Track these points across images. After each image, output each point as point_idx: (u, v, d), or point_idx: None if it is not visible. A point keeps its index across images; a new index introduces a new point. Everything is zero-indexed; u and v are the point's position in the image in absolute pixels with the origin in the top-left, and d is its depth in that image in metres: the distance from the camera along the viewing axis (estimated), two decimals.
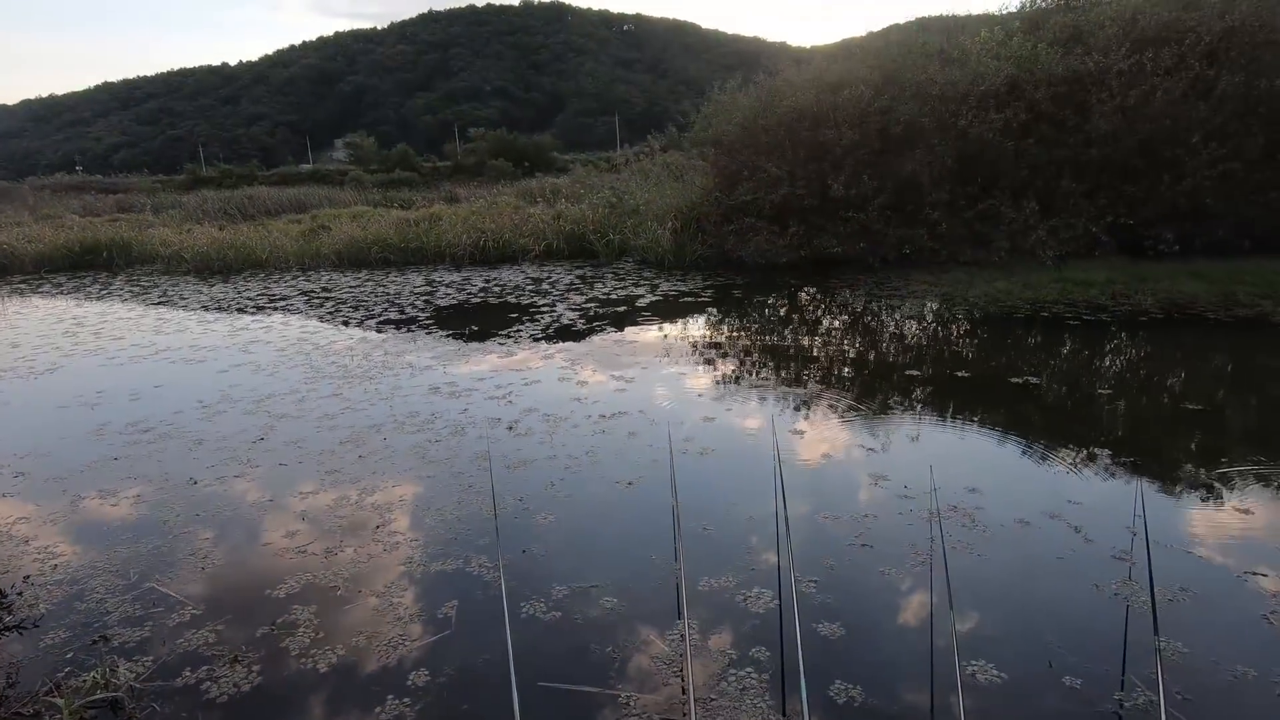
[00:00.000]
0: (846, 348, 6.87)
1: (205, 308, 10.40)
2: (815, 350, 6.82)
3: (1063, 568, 3.06)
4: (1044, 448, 4.45)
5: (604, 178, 20.56)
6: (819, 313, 8.52)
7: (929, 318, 7.82)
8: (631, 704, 2.38)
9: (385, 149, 50.54)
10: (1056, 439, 4.56)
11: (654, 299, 9.38)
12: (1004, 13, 14.75)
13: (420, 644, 2.75)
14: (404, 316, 9.01)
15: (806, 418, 4.99)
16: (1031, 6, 13.84)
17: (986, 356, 6.43)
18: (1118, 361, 6.24)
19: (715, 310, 8.78)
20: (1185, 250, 9.34)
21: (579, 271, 11.92)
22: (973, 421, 4.91)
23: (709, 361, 6.50)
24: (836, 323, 7.94)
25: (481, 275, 12.05)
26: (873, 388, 5.69)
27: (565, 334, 7.70)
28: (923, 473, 3.92)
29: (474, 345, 7.42)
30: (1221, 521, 3.43)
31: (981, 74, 11.12)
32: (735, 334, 7.64)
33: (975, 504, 3.60)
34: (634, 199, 14.81)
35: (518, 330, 7.91)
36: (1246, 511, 3.50)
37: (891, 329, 7.50)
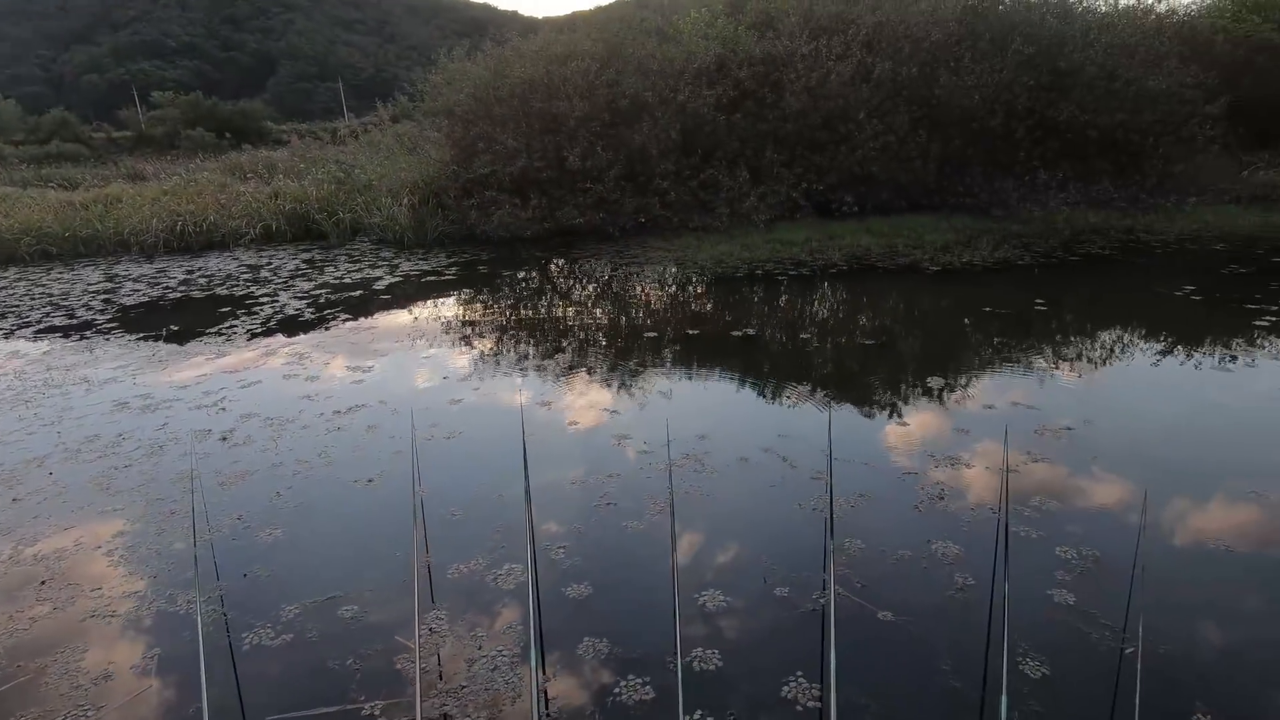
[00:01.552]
0: (592, 316, 7.10)
1: None
2: (562, 321, 6.95)
3: (774, 494, 3.51)
4: (761, 391, 5.04)
5: (329, 150, 18.74)
6: (565, 283, 8.68)
7: (665, 282, 8.37)
8: (376, 714, 2.25)
9: (34, 114, 40.67)
10: (771, 381, 5.18)
11: (394, 280, 8.82)
12: None
13: (107, 711, 2.32)
14: (75, 321, 7.41)
15: (555, 388, 5.08)
16: None
17: (714, 314, 7.07)
18: (816, 309, 7.25)
19: (461, 288, 8.51)
20: (862, 211, 11.10)
21: (306, 255, 10.78)
22: (703, 375, 5.38)
23: (456, 342, 6.30)
24: (581, 292, 8.16)
25: (182, 265, 10.33)
26: (616, 352, 5.96)
27: (291, 326, 6.93)
28: (660, 427, 4.20)
29: (174, 348, 6.36)
30: (890, 434, 4.18)
31: (694, 52, 12.02)
32: (483, 311, 7.50)
33: (705, 449, 3.96)
34: (365, 173, 13.71)
35: (231, 327, 6.94)
36: (906, 424, 4.30)
37: (631, 295, 7.90)
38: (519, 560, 3.03)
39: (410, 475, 3.56)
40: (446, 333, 6.57)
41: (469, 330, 6.68)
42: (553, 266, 9.57)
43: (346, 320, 7.10)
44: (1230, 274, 7.80)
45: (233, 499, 3.63)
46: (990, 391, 4.80)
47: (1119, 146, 11.40)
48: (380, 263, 9.91)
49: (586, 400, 4.84)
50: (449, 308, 7.62)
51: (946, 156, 11.33)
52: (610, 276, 8.65)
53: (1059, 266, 8.27)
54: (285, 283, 8.84)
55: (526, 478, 2.90)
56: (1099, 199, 11.20)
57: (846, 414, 4.54)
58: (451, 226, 11.31)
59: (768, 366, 5.61)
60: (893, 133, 10.95)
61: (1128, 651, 2.39)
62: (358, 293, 8.24)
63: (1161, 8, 14.80)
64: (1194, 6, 15.31)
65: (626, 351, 5.95)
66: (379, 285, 8.58)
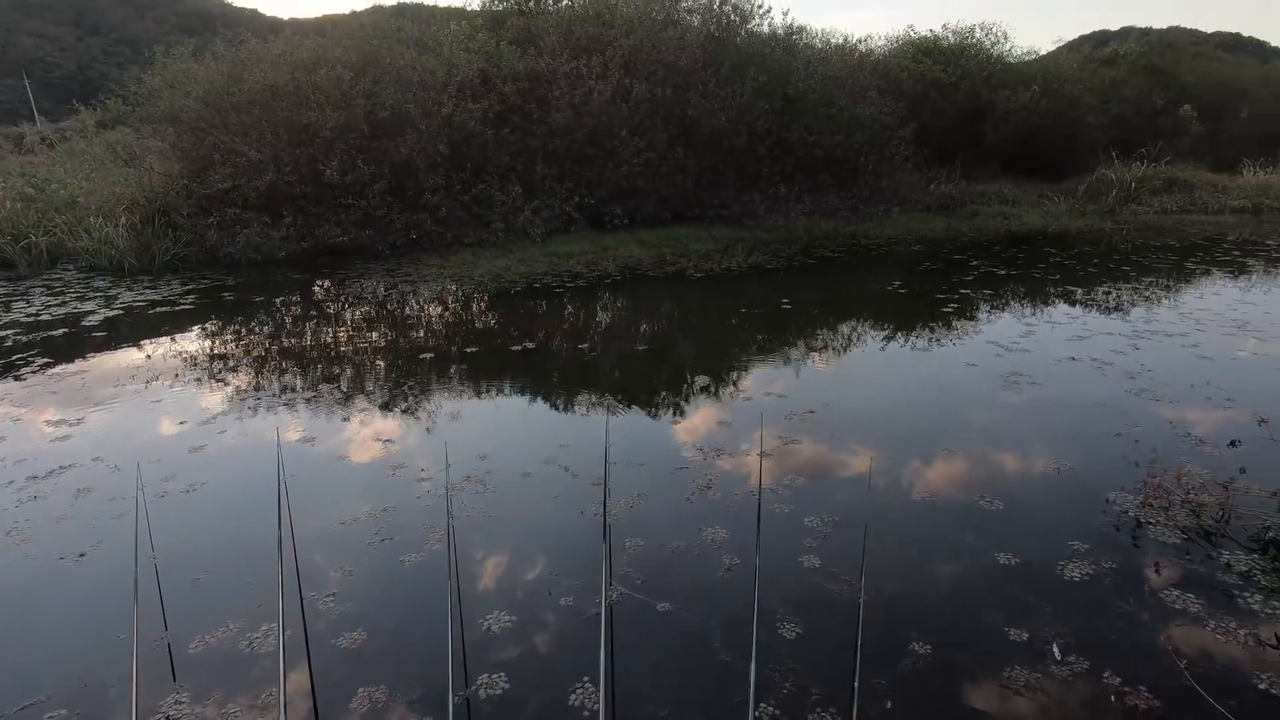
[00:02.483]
0: (363, 340, 6.64)
1: None
2: (329, 348, 6.42)
3: (556, 504, 3.55)
4: (543, 404, 5.07)
5: (11, 160, 15.48)
6: (330, 307, 8.02)
7: (442, 300, 8.10)
8: None
9: None
10: (552, 393, 5.24)
11: (112, 314, 7.52)
12: (471, 9, 15.89)
13: None
14: None
15: (321, 422, 4.66)
16: (492, 6, 15.21)
17: (494, 330, 6.98)
18: (594, 319, 7.47)
19: (203, 319, 7.49)
20: (632, 223, 11.67)
21: None
22: (484, 393, 5.29)
23: (198, 381, 5.53)
24: (350, 315, 7.60)
25: None
26: (391, 378, 5.63)
27: None
28: (440, 452, 4.05)
29: None
30: (663, 433, 4.43)
31: (456, 65, 11.80)
32: (233, 343, 6.66)
33: (486, 469, 3.89)
34: (66, 189, 11.51)
35: None
36: (677, 422, 4.59)
37: (406, 315, 7.53)
38: (276, 618, 2.73)
39: (137, 541, 3.05)
40: (186, 371, 5.75)
41: (215, 366, 5.91)
42: (316, 289, 8.81)
43: (47, 365, 5.90)
44: (925, 270, 9.42)
45: None
46: (748, 385, 5.29)
47: (839, 164, 13.23)
48: (92, 294, 8.40)
49: (357, 432, 4.51)
50: (188, 342, 6.67)
51: (702, 172, 12.32)
52: (382, 297, 8.16)
53: (800, 269, 9.38)
54: None
55: (280, 525, 2.63)
56: (828, 209, 12.91)
57: (624, 418, 4.73)
58: (186, 249, 9.94)
59: (549, 379, 5.66)
60: (653, 149, 11.66)
61: (861, 600, 2.76)
62: (61, 331, 6.89)
63: (863, 48, 17.52)
64: (886, 47, 18.32)
65: (402, 376, 5.65)
66: (91, 320, 7.26)
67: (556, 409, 4.96)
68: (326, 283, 9.00)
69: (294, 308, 7.96)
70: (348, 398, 5.11)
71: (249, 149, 10.12)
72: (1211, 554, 3.06)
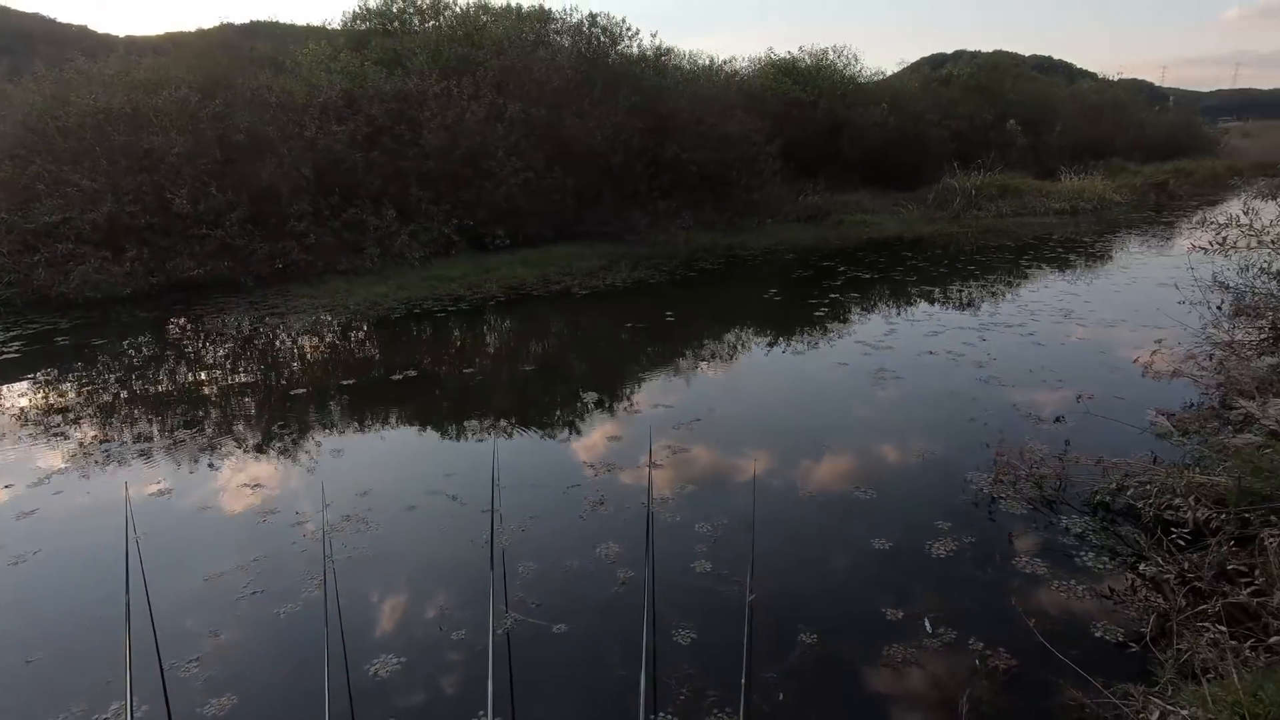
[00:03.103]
0: (226, 380, 6.16)
1: None
2: (188, 391, 5.90)
3: (445, 535, 3.44)
4: (427, 433, 4.90)
5: None
6: (188, 346, 7.39)
7: (314, 331, 7.66)
8: None
9: None
10: (436, 422, 5.08)
11: None
12: (331, 28, 15.29)
13: None
14: None
15: (178, 473, 4.28)
16: (354, 26, 14.70)
17: (372, 360, 6.69)
18: (479, 342, 7.33)
19: (33, 368, 6.68)
20: (514, 243, 11.54)
21: None
22: (363, 427, 5.04)
23: (27, 440, 4.92)
24: (211, 354, 7.03)
25: None
26: (258, 419, 5.26)
27: None
28: (316, 493, 3.82)
29: None
30: (553, 453, 4.40)
31: (318, 86, 11.28)
32: (69, 394, 5.98)
33: (367, 506, 3.71)
34: None
35: None
36: (567, 440, 4.58)
37: (274, 350, 7.07)
38: (136, 692, 2.47)
39: None
40: (13, 429, 5.10)
41: (49, 421, 5.28)
42: (170, 327, 8.09)
43: None
44: (798, 278, 9.94)
45: None
46: (637, 398, 5.36)
47: (713, 179, 13.73)
48: None
49: (225, 480, 4.18)
50: (16, 396, 5.93)
51: (582, 190, 12.41)
52: (248, 333, 7.61)
53: (682, 282, 9.63)
54: None
55: (129, 589, 2.38)
56: (706, 223, 13.34)
57: (514, 441, 4.66)
58: (8, 290, 8.85)
59: (433, 406, 5.48)
60: (531, 169, 11.62)
61: (751, 599, 2.85)
62: None
63: (729, 68, 18.32)
64: (750, 68, 19.25)
65: (273, 416, 5.29)
66: None
67: (443, 436, 4.82)
68: (182, 320, 8.30)
69: (144, 349, 7.28)
70: (211, 444, 4.72)
71: (80, 177, 9.19)
72: (1053, 520, 3.41)
